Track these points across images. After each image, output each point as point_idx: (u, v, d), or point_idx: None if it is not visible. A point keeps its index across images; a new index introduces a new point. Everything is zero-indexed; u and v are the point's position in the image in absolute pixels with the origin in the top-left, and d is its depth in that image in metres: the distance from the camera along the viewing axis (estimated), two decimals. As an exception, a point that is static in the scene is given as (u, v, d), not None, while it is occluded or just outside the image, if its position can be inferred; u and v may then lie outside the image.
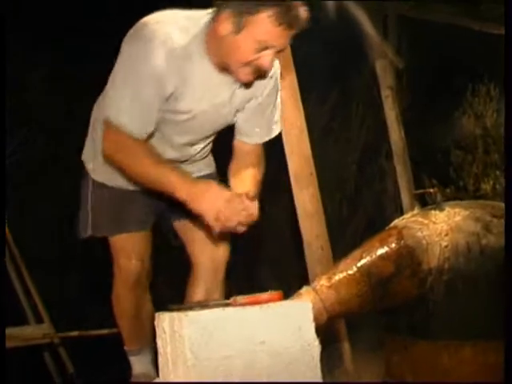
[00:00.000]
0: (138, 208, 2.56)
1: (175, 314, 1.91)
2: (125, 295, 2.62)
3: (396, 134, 5.27)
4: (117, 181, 2.45)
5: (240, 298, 2.04)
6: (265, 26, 2.05)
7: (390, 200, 6.71)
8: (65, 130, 5.98)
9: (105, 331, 3.32)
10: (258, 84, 2.32)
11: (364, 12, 4.72)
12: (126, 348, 2.78)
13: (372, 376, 2.98)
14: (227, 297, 2.09)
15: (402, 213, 4.61)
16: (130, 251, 2.55)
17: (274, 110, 2.45)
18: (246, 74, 2.16)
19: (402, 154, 5.28)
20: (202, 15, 2.19)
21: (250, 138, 2.44)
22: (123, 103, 2.14)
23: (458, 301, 2.46)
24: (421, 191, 2.75)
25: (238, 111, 2.39)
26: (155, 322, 2.08)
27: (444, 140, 7.75)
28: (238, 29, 2.07)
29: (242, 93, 2.33)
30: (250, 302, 2.03)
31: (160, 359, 2.06)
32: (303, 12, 2.07)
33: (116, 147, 2.19)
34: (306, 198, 3.33)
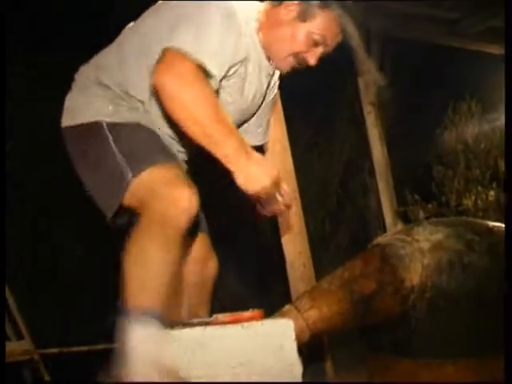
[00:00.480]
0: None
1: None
2: (163, 251, 1.85)
3: (378, 151, 5.27)
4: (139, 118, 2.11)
5: (221, 316, 2.02)
6: (329, 24, 2.10)
7: (373, 216, 6.70)
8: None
9: (85, 348, 3.26)
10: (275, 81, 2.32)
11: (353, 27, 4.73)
12: (130, 307, 1.82)
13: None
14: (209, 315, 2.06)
15: (384, 229, 4.60)
16: (178, 180, 1.94)
17: (271, 112, 2.44)
18: (289, 64, 2.16)
19: (385, 171, 5.28)
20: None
21: (252, 139, 2.35)
22: (208, 42, 1.93)
23: (440, 319, 2.44)
24: (403, 208, 2.74)
25: (259, 106, 2.33)
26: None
27: (426, 156, 7.79)
28: (303, 18, 2.08)
29: (271, 86, 2.32)
30: (231, 320, 2.01)
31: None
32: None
33: (181, 81, 1.87)
34: (288, 214, 3.30)
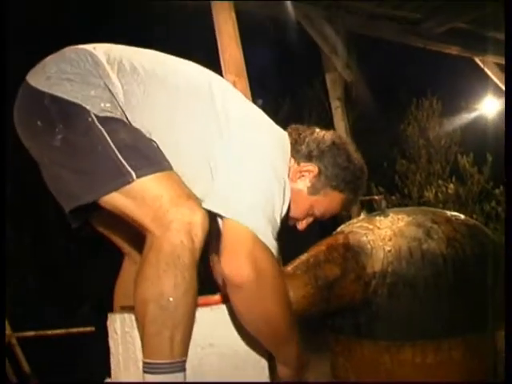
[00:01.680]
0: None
1: (126, 315, 1.85)
2: (184, 276, 1.62)
3: (344, 145, 5.28)
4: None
5: (191, 300, 2.01)
6: (334, 204, 2.05)
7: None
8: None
9: (61, 331, 3.22)
10: None
11: (317, 26, 4.74)
12: (176, 360, 1.67)
13: (319, 376, 2.95)
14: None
15: (350, 219, 4.61)
16: (182, 190, 1.70)
17: None
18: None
19: (351, 164, 5.28)
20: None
21: None
22: (274, 229, 1.72)
23: (399, 303, 2.45)
24: (367, 198, 2.75)
25: None
26: (107, 323, 2.02)
27: (390, 150, 7.85)
28: (314, 192, 2.00)
29: None
30: (200, 303, 1.99)
31: (112, 360, 2.00)
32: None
33: (258, 273, 1.63)
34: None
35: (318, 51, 5.08)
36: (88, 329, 2.97)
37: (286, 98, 6.90)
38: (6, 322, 3.66)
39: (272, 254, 1.68)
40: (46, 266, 5.30)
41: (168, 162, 1.75)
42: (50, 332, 3.28)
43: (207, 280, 2.15)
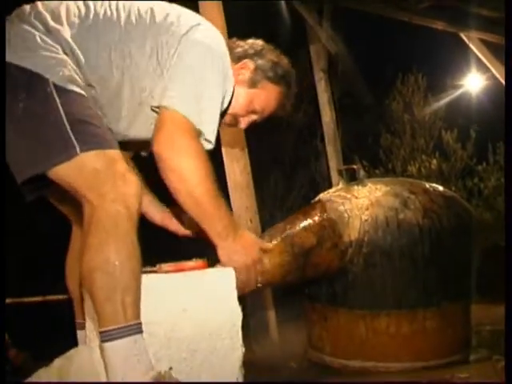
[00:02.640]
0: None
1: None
2: (125, 241, 1.68)
3: (328, 116, 5.25)
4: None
5: (165, 266, 1.99)
6: (273, 98, 2.15)
7: (324, 179, 6.73)
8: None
9: (38, 298, 3.19)
10: None
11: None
12: (132, 323, 1.67)
13: (296, 345, 2.96)
14: (153, 265, 2.02)
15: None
16: (121, 166, 1.76)
17: None
18: (227, 121, 2.17)
19: (333, 135, 5.27)
20: None
21: None
22: (209, 113, 1.92)
23: (375, 272, 2.44)
24: (345, 167, 2.73)
25: None
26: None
27: (375, 125, 7.83)
28: (252, 84, 2.12)
29: None
30: (174, 269, 1.98)
31: (87, 324, 1.97)
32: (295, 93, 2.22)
33: (183, 154, 1.83)
34: (236, 170, 3.25)
35: (303, 23, 5.03)
36: (65, 296, 2.93)
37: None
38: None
39: (194, 134, 1.86)
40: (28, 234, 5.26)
41: (115, 142, 1.83)
42: (26, 299, 3.25)
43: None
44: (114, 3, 1.97)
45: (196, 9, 3.40)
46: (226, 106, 2.05)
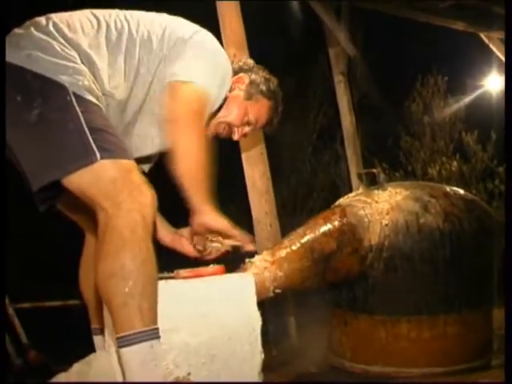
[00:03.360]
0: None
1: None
2: (141, 247, 1.69)
3: (347, 119, 5.22)
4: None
5: (183, 272, 1.99)
6: (265, 111, 2.31)
7: (344, 183, 6.70)
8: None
9: (57, 303, 3.21)
10: None
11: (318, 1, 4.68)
12: (148, 328, 1.67)
13: (316, 350, 2.95)
14: (172, 270, 2.02)
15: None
16: (136, 176, 1.80)
17: None
18: (217, 129, 2.28)
19: (353, 139, 5.23)
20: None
21: None
22: (213, 79, 2.09)
23: (396, 277, 2.42)
24: (364, 171, 2.71)
25: None
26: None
27: (395, 127, 7.78)
28: (248, 97, 2.27)
29: None
30: (192, 275, 1.98)
31: (106, 330, 1.98)
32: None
33: (194, 124, 1.99)
34: (256, 175, 3.25)
35: (322, 26, 5.00)
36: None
37: (292, 72, 6.81)
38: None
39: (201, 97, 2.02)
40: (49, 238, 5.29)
41: (130, 152, 1.90)
42: (46, 304, 3.27)
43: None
44: (122, 13, 2.05)
45: (214, 9, 3.40)
46: (214, 109, 2.19)
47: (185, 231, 2.22)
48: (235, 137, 2.32)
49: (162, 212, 2.20)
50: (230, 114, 2.25)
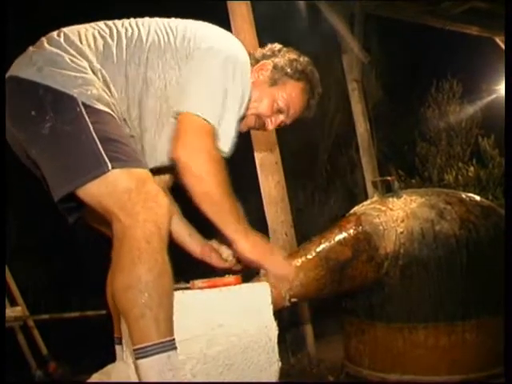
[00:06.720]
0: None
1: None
2: (156, 259, 1.69)
3: (362, 127, 5.23)
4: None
5: (198, 282, 2.00)
6: (296, 95, 2.17)
7: (360, 190, 6.70)
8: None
9: (76, 314, 3.24)
10: None
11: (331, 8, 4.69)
12: (165, 339, 1.68)
13: (333, 359, 2.96)
14: (187, 281, 2.04)
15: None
16: (151, 186, 1.79)
17: None
18: (249, 123, 2.20)
19: (368, 146, 5.24)
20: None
21: None
22: (228, 124, 1.97)
23: (412, 285, 2.42)
24: (379, 179, 2.71)
25: None
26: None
27: (411, 133, 7.76)
28: (273, 83, 2.16)
29: None
30: (208, 285, 1.99)
31: (124, 341, 2.00)
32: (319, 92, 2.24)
33: (195, 149, 1.88)
34: (271, 184, 3.26)
35: (335, 31, 5.02)
36: (103, 312, 2.97)
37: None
38: (24, 305, 3.72)
39: (213, 137, 1.90)
40: (68, 251, 5.34)
41: (144, 162, 1.89)
42: (65, 315, 3.30)
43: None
44: (133, 21, 2.03)
45: (225, 9, 3.43)
46: (243, 112, 2.07)
47: (214, 243, 2.24)
48: (269, 127, 2.23)
49: (192, 221, 2.23)
50: (258, 105, 2.15)
